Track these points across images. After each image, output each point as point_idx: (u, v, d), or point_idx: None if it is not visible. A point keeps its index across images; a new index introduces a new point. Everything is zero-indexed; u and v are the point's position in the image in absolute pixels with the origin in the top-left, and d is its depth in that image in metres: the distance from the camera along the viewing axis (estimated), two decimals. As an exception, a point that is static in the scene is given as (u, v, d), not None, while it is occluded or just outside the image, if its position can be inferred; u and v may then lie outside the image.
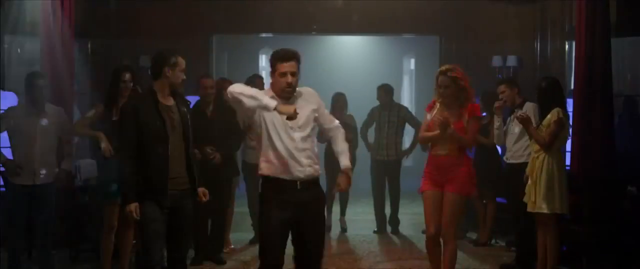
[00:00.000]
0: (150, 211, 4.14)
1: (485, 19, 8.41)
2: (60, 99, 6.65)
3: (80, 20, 7.34)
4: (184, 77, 4.32)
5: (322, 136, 4.28)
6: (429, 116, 5.01)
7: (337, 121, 4.29)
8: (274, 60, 3.97)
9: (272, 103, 3.84)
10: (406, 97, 12.71)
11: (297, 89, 4.03)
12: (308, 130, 4.01)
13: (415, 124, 7.45)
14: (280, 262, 4.02)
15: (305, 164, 3.98)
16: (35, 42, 7.02)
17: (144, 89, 4.83)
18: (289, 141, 3.95)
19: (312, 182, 4.04)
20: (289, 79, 3.93)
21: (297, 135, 3.96)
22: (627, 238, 5.85)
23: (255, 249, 6.86)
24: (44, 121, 5.34)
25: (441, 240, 4.96)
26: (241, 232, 7.33)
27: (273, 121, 3.95)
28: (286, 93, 3.97)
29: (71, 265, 6.18)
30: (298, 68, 4.00)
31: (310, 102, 4.06)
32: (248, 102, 3.87)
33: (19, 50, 7.46)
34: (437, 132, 4.86)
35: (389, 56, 12.33)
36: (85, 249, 6.42)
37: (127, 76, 5.42)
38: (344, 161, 4.15)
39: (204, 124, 5.92)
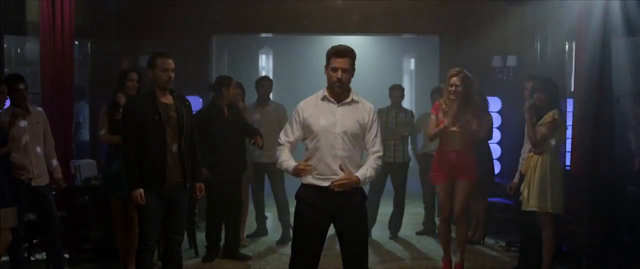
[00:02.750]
0: (149, 201, 4.48)
1: (485, 19, 8.40)
2: (60, 99, 6.67)
3: (80, 20, 7.34)
4: (170, 75, 4.52)
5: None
6: (433, 116, 5.62)
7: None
8: (329, 55, 4.04)
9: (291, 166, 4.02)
10: (406, 97, 12.65)
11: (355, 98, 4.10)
12: None
13: (413, 132, 7.67)
14: None
15: None
16: (35, 42, 7.03)
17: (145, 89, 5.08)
18: None
19: None
20: (339, 74, 3.98)
21: None
22: (627, 238, 5.84)
23: (258, 246, 6.96)
24: (24, 123, 5.26)
25: (454, 221, 5.72)
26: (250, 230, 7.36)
27: None
28: (337, 88, 4.03)
29: (71, 265, 6.17)
30: (352, 65, 4.04)
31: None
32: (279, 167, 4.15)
33: (19, 50, 7.47)
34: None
35: (389, 56, 12.34)
36: (85, 249, 6.42)
37: (134, 75, 5.57)
38: (362, 171, 4.08)
39: (224, 122, 6.15)
